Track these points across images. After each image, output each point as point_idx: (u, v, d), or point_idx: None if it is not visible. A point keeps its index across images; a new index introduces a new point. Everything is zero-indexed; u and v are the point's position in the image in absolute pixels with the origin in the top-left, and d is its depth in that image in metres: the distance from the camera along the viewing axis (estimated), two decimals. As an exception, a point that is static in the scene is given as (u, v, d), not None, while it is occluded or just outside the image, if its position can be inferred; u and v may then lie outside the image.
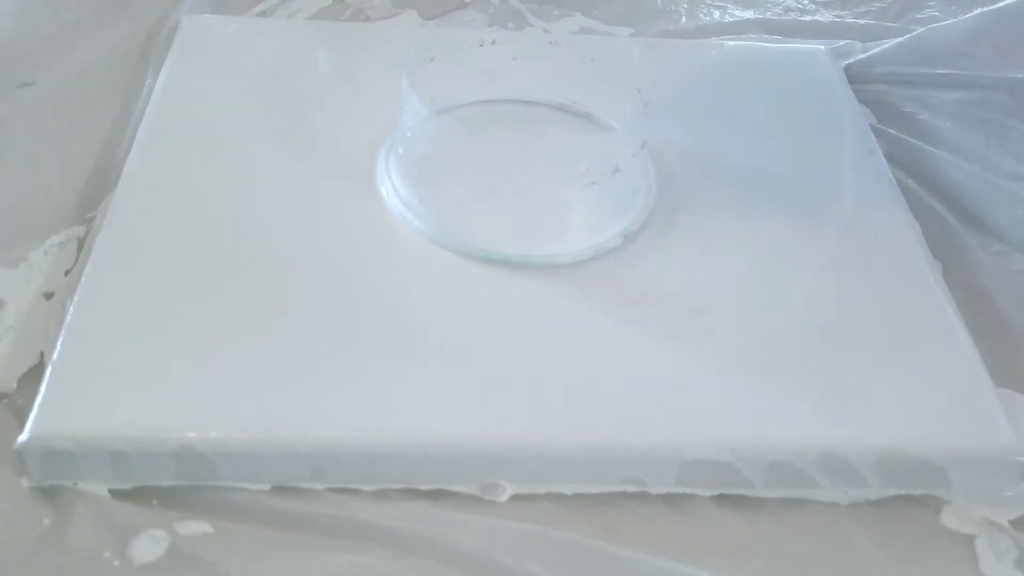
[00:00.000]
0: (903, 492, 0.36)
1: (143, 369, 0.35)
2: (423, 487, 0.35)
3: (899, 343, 0.39)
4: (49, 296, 0.39)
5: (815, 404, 0.36)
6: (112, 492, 0.34)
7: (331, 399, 0.35)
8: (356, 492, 0.34)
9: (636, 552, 0.33)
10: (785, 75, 0.53)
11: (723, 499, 0.35)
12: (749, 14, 0.59)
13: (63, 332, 0.36)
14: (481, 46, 0.47)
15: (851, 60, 0.55)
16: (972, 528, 0.35)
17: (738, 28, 0.58)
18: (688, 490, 0.35)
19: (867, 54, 0.55)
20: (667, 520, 0.35)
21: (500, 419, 0.35)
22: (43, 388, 0.34)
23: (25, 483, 0.34)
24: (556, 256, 0.41)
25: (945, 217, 0.47)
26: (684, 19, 0.58)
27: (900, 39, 0.56)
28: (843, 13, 0.60)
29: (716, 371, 0.37)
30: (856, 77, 0.54)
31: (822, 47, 0.55)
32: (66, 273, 0.40)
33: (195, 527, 0.33)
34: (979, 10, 0.56)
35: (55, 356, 0.35)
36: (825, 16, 0.59)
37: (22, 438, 0.33)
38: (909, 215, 0.45)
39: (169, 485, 0.34)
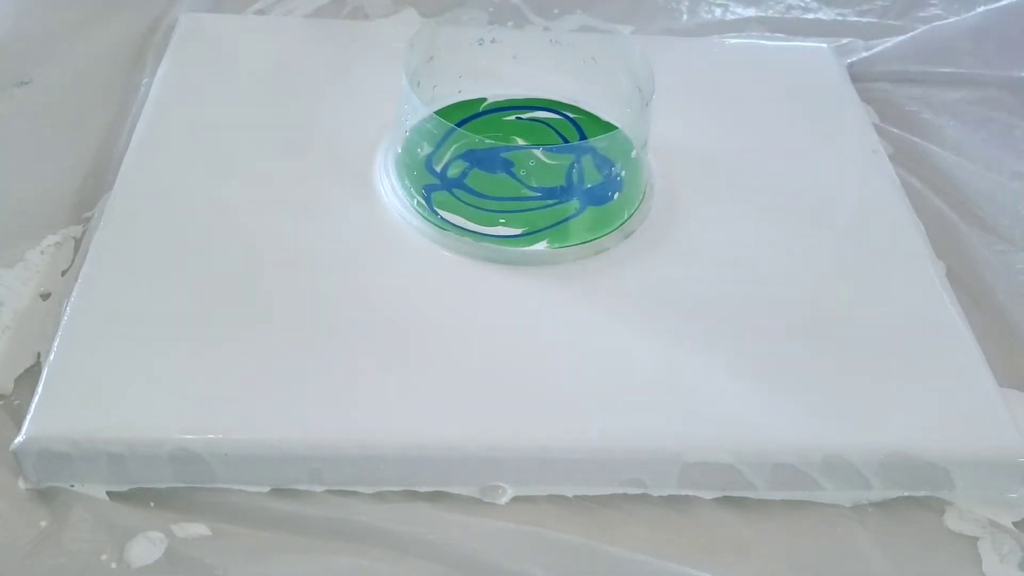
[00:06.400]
0: (906, 494, 0.36)
1: (140, 370, 0.35)
2: (422, 489, 0.35)
3: (902, 343, 0.39)
4: (46, 296, 0.39)
5: (817, 405, 0.36)
6: (109, 494, 0.34)
7: (329, 400, 0.35)
8: (355, 494, 0.34)
9: (638, 554, 0.33)
10: (787, 74, 0.52)
11: (725, 501, 0.35)
12: (751, 12, 0.59)
13: (59, 333, 0.36)
14: (481, 44, 0.47)
15: (854, 59, 0.55)
16: (976, 530, 0.35)
17: (740, 26, 0.58)
18: (690, 492, 0.35)
19: (870, 52, 0.55)
20: (669, 522, 0.34)
21: (500, 420, 0.35)
22: (39, 389, 0.34)
23: (22, 485, 0.34)
24: (556, 256, 0.41)
25: (949, 216, 0.46)
26: (686, 17, 0.58)
27: (903, 37, 0.56)
28: (845, 11, 0.59)
29: (718, 372, 0.37)
30: (859, 76, 0.54)
31: (824, 45, 0.55)
32: (63, 273, 0.40)
33: (193, 529, 0.33)
34: (982, 8, 0.56)
35: (51, 357, 0.35)
36: (827, 14, 0.59)
37: (18, 440, 0.33)
38: (912, 214, 0.45)
39: (167, 487, 0.34)
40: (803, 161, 0.47)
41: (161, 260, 0.39)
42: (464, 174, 0.41)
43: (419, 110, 0.41)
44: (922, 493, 0.36)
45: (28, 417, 0.33)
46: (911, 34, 0.56)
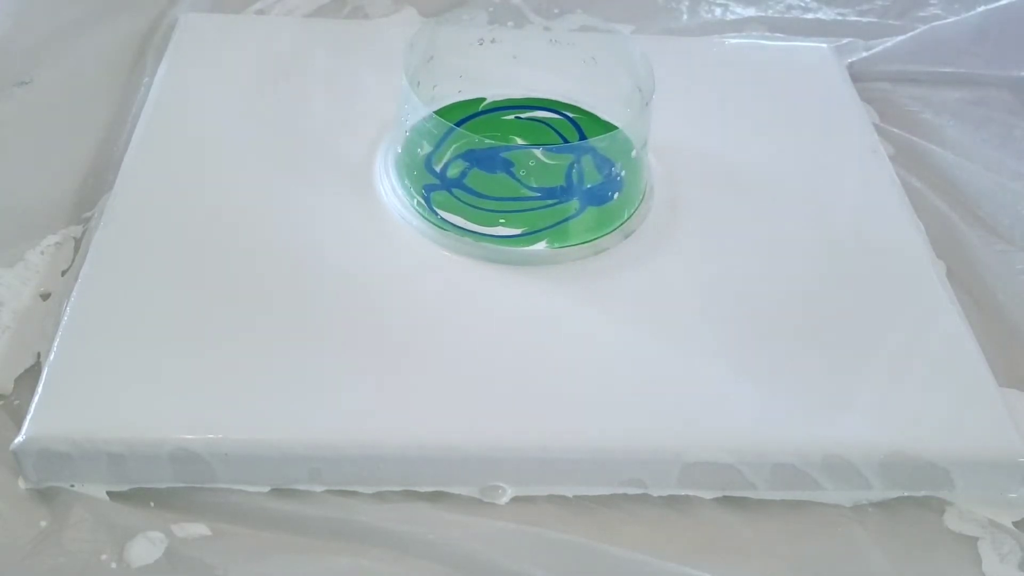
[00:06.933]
0: (906, 494, 0.36)
1: (140, 370, 0.35)
2: (422, 489, 0.35)
3: (902, 343, 0.39)
4: (46, 296, 0.39)
5: (818, 405, 0.36)
6: (109, 494, 0.34)
7: (329, 400, 0.35)
8: (355, 494, 0.34)
9: (638, 554, 0.33)
10: (787, 73, 0.52)
11: (725, 501, 0.35)
12: (751, 12, 0.59)
13: (59, 333, 0.36)
14: (481, 44, 0.47)
15: (854, 58, 0.55)
16: (976, 530, 0.35)
17: (740, 26, 0.58)
18: (690, 492, 0.35)
19: (870, 52, 0.55)
20: (669, 522, 0.34)
21: (500, 420, 0.35)
22: (39, 389, 0.34)
23: (22, 485, 0.34)
24: (556, 256, 0.41)
25: (949, 216, 0.46)
26: (686, 17, 0.58)
27: (903, 37, 0.56)
28: (846, 11, 0.59)
29: (718, 372, 0.37)
30: (859, 75, 0.54)
31: (825, 45, 0.55)
32: (63, 273, 0.40)
33: (193, 529, 0.33)
34: (982, 8, 0.56)
35: (51, 357, 0.35)
36: (828, 14, 0.59)
37: (18, 440, 0.33)
38: (913, 214, 0.45)
39: (167, 487, 0.34)
40: (803, 161, 0.47)
41: (161, 260, 0.39)
42: (464, 174, 0.41)
43: (419, 110, 0.41)
44: (922, 493, 0.36)
45: (28, 417, 0.33)
46: (911, 34, 0.56)
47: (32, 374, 0.36)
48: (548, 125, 0.46)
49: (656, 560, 0.33)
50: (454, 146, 0.41)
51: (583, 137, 0.45)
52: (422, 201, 0.42)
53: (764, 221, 0.43)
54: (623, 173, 0.42)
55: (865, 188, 0.46)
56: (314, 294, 0.38)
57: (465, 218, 0.41)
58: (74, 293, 0.37)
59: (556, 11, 0.57)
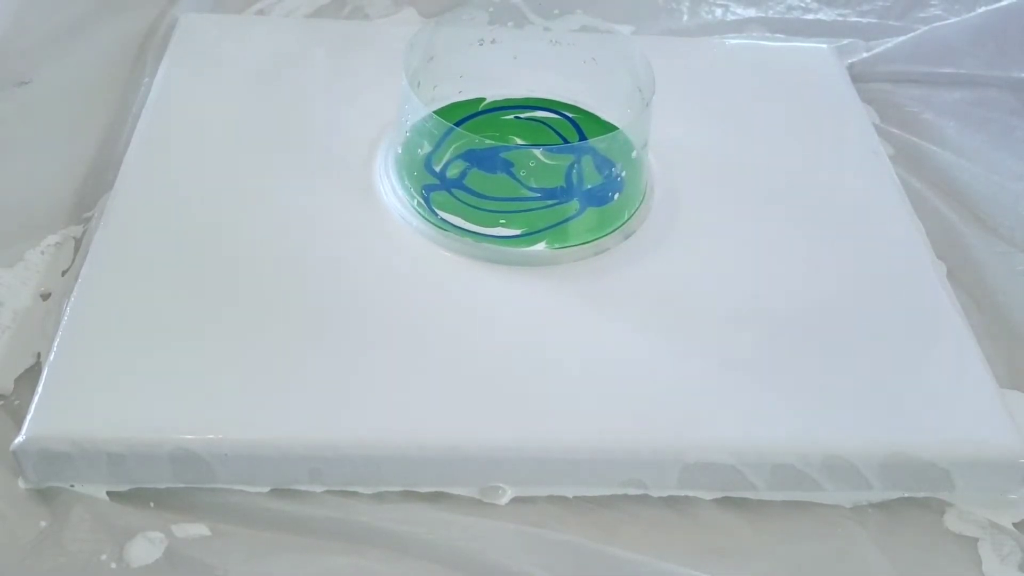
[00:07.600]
0: (906, 495, 0.36)
1: (140, 370, 0.35)
2: (422, 489, 0.35)
3: (903, 344, 0.39)
4: (46, 296, 0.39)
5: (818, 406, 0.36)
6: (109, 494, 0.34)
7: (329, 400, 0.35)
8: (355, 494, 0.34)
9: (638, 555, 0.33)
10: (788, 74, 0.52)
11: (725, 502, 0.35)
12: (751, 12, 0.59)
13: (59, 333, 0.36)
14: (481, 44, 0.47)
15: (854, 59, 0.55)
16: (976, 531, 0.35)
17: (740, 27, 0.58)
18: (690, 493, 0.35)
19: (870, 53, 0.55)
20: (669, 523, 0.34)
21: (500, 420, 0.35)
22: (39, 389, 0.34)
23: (22, 485, 0.34)
24: (556, 256, 0.41)
25: (949, 217, 0.46)
26: (686, 17, 0.58)
27: (903, 38, 0.56)
28: (846, 12, 0.59)
29: (718, 373, 0.37)
30: (859, 76, 0.54)
31: (825, 46, 0.55)
32: (63, 273, 0.40)
33: (192, 529, 0.33)
34: (982, 9, 0.56)
35: (51, 357, 0.35)
36: (828, 15, 0.59)
37: (18, 440, 0.33)
38: (912, 214, 0.45)
39: (167, 487, 0.34)
40: (803, 161, 0.47)
41: (161, 260, 0.39)
42: (464, 174, 0.41)
43: (419, 110, 0.41)
44: (922, 494, 0.36)
45: (28, 417, 0.33)
46: (912, 35, 0.56)
47: (32, 374, 0.36)
48: (548, 125, 0.46)
49: (656, 560, 0.33)
50: (454, 146, 0.41)
51: (583, 137, 0.45)
52: (422, 201, 0.42)
53: (764, 222, 0.43)
54: (623, 174, 0.42)
55: (865, 188, 0.46)
56: (314, 294, 0.38)
57: (465, 218, 0.41)
58: (74, 293, 0.37)
59: (556, 11, 0.57)
